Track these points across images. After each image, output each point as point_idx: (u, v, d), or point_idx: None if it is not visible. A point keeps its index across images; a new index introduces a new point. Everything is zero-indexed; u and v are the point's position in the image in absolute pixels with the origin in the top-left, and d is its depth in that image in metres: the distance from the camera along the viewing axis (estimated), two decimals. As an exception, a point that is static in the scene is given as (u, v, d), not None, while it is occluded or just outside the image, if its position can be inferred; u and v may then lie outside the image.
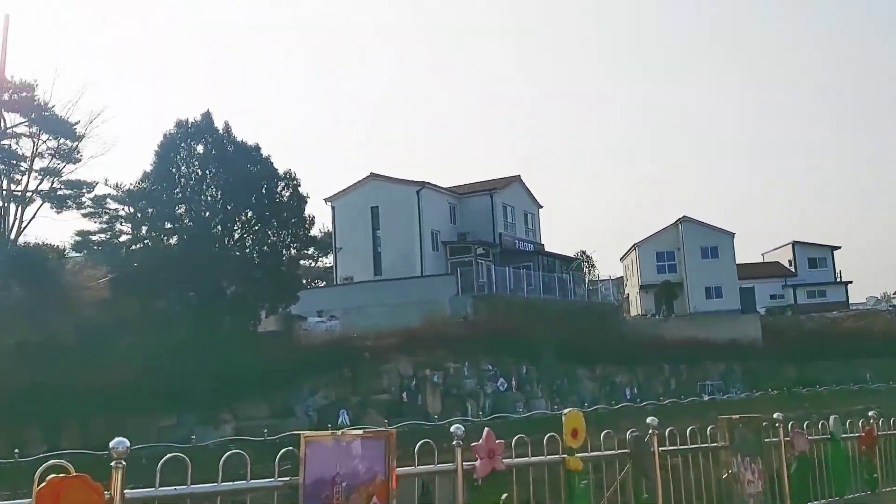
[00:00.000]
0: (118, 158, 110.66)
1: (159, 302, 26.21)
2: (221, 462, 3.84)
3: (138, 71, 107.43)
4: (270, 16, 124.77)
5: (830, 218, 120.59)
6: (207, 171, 27.60)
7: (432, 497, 5.04)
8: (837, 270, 62.96)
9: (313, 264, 53.42)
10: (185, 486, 3.61)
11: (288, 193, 28.50)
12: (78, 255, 37.72)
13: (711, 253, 54.10)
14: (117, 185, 32.16)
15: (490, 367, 31.14)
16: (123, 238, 31.24)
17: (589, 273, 57.15)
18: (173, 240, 27.39)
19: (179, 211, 27.30)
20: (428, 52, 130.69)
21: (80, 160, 32.42)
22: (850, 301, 61.20)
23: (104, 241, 34.99)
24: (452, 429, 4.78)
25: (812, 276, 61.62)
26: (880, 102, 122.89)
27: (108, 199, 34.96)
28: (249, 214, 27.92)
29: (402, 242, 42.06)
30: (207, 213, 27.30)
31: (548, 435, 5.29)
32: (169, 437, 21.50)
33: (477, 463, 4.78)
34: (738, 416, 6.93)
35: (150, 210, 27.16)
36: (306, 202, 29.21)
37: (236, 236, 27.99)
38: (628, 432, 5.93)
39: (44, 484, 3.10)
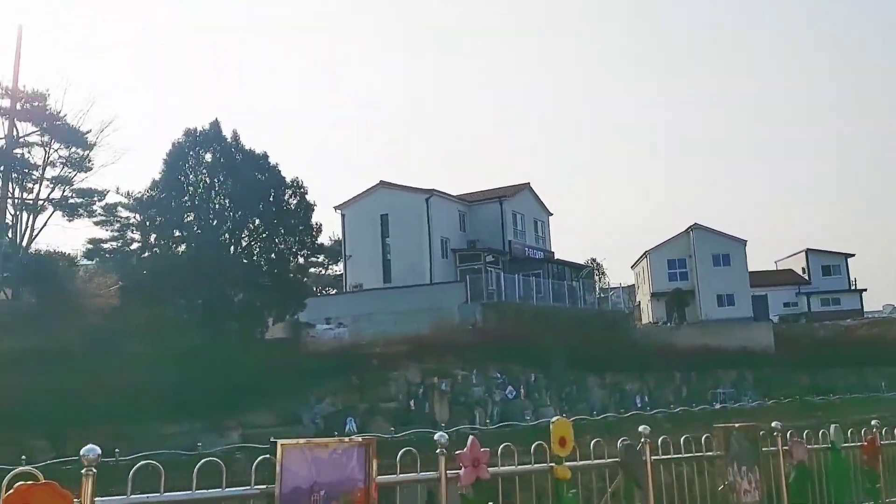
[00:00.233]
0: (128, 164, 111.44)
1: (167, 309, 26.35)
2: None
3: (148, 76, 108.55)
4: (279, 20, 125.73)
5: (845, 225, 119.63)
6: (216, 180, 27.79)
7: None
8: (852, 278, 62.43)
9: (324, 272, 53.62)
10: (157, 494, 3.58)
11: (295, 201, 28.65)
12: (90, 262, 38.10)
13: (723, 260, 53.76)
14: (128, 194, 32.49)
15: (498, 375, 31.03)
16: (134, 246, 31.51)
17: (599, 281, 56.83)
18: (181, 247, 27.56)
19: (188, 219, 27.47)
20: (438, 60, 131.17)
21: (91, 168, 32.83)
22: (865, 309, 60.60)
23: (115, 249, 35.31)
24: (436, 437, 4.73)
25: (826, 283, 61.11)
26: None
27: (120, 207, 35.34)
28: (257, 222, 28.07)
29: (411, 250, 42.09)
30: (215, 221, 27.46)
31: (535, 443, 5.24)
32: (175, 444, 21.50)
33: (461, 471, 4.73)
34: (735, 425, 6.83)
35: (158, 218, 27.35)
36: (313, 210, 29.39)
37: (244, 244, 28.12)
38: (619, 441, 5.85)
39: (11, 491, 3.09)
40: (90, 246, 37.59)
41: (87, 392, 20.72)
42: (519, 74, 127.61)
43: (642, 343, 40.93)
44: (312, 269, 47.65)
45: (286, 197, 28.64)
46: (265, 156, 29.01)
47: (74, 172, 32.87)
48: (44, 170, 31.87)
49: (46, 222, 31.86)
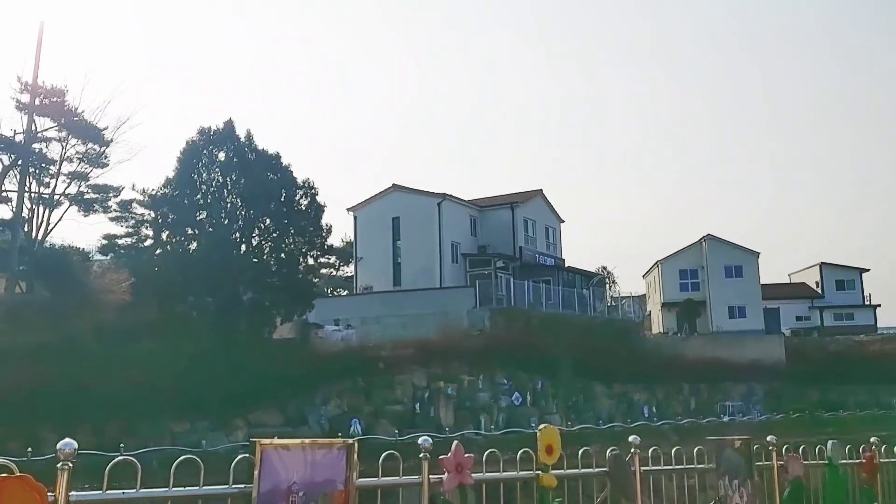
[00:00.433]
0: (144, 161, 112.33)
1: (178, 307, 26.53)
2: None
3: (164, 74, 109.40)
4: (294, 22, 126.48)
5: (860, 240, 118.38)
6: (228, 178, 27.95)
7: None
8: (866, 293, 61.71)
9: (335, 273, 53.79)
10: (133, 490, 3.60)
11: (306, 202, 28.75)
12: (104, 258, 38.50)
13: (735, 272, 53.36)
14: (143, 191, 32.79)
15: (505, 381, 30.98)
16: (147, 243, 31.77)
17: (610, 289, 56.58)
18: (193, 245, 27.73)
19: (200, 217, 27.64)
20: (451, 63, 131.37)
21: (107, 165, 33.23)
22: (879, 325, 59.85)
23: (129, 246, 35.66)
24: (420, 441, 4.72)
25: (839, 298, 60.45)
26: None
27: (134, 204, 35.71)
28: (268, 222, 28.18)
29: (421, 253, 42.12)
30: (227, 220, 27.62)
31: (521, 451, 5.22)
32: (182, 441, 21.66)
33: (444, 476, 4.72)
34: (727, 438, 6.77)
35: (171, 216, 27.54)
36: (324, 211, 29.48)
37: (254, 243, 28.25)
38: (608, 450, 5.82)
39: (-17, 483, 3.11)
40: (105, 241, 38.06)
41: (99, 386, 20.93)
42: (532, 79, 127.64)
43: (652, 353, 40.65)
44: (324, 271, 47.90)
45: (297, 197, 28.75)
46: (278, 156, 29.19)
47: (91, 168, 33.28)
48: (60, 165, 32.28)
49: (62, 217, 32.28)
